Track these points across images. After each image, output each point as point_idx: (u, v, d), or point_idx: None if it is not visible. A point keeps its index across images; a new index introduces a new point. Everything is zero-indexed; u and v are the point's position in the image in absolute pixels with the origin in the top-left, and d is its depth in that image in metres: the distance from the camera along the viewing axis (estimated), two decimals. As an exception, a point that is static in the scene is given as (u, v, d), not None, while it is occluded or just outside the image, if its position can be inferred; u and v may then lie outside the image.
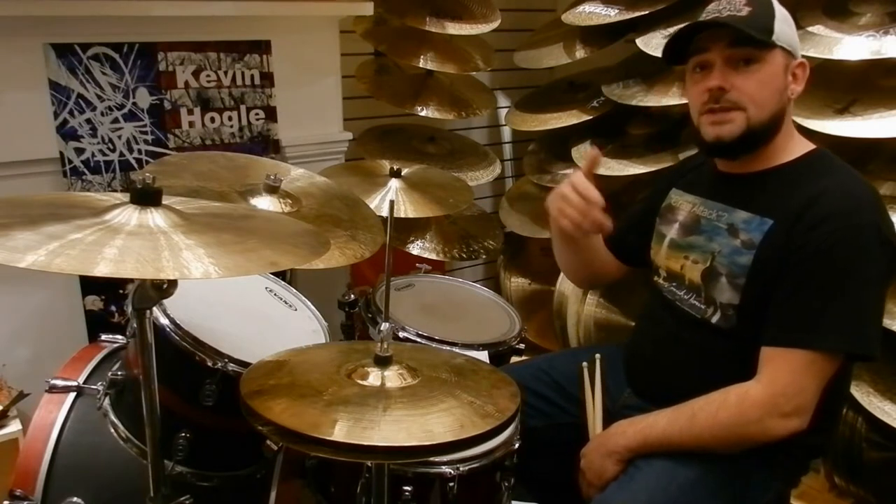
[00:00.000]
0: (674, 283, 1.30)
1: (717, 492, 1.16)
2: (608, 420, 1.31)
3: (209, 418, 1.18)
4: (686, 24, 1.19)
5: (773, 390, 1.10)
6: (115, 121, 1.72)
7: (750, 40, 1.13)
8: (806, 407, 1.10)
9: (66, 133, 1.67)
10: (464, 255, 2.27)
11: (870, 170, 1.60)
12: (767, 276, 1.14)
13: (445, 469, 1.18)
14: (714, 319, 1.22)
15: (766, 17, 1.14)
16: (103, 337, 1.44)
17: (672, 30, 1.93)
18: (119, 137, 1.74)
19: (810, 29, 1.65)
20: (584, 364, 1.39)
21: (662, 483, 1.14)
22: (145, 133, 1.77)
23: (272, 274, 1.45)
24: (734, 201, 1.23)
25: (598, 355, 1.39)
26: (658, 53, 1.89)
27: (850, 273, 1.09)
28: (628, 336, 1.46)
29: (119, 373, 1.23)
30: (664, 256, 1.33)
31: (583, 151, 1.28)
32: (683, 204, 1.34)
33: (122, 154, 1.75)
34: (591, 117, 2.18)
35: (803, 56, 1.22)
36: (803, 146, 1.23)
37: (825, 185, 1.13)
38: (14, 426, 1.56)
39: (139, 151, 1.77)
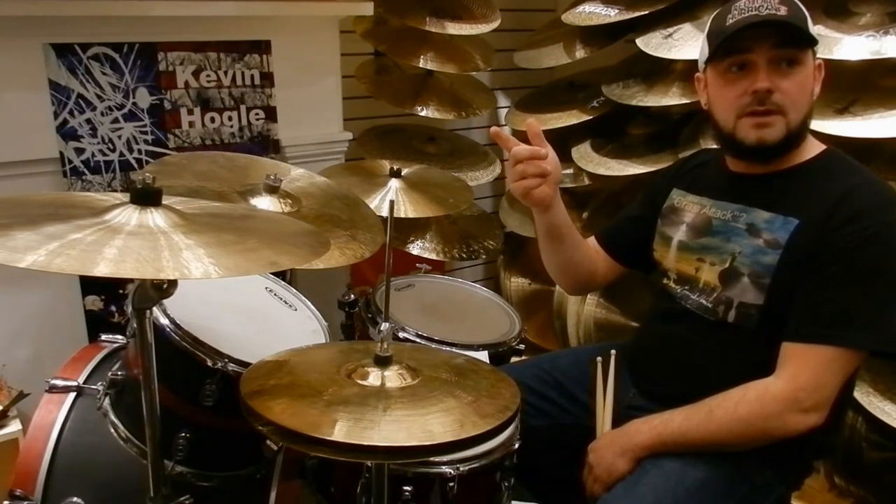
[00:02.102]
0: (686, 286, 1.29)
1: (724, 494, 1.16)
2: (614, 420, 1.30)
3: (209, 418, 1.17)
4: (734, 20, 1.14)
5: (794, 385, 1.10)
6: (115, 121, 1.72)
7: (793, 41, 1.12)
8: (825, 403, 1.10)
9: (66, 133, 1.67)
10: (464, 255, 2.27)
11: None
12: (794, 276, 1.14)
13: (445, 469, 1.18)
14: (730, 319, 1.21)
15: (802, 17, 1.13)
16: (103, 337, 1.44)
17: (672, 29, 1.94)
18: (119, 137, 1.74)
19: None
20: (599, 359, 1.38)
21: (670, 485, 1.14)
22: (145, 133, 1.77)
23: (272, 274, 1.45)
24: (752, 201, 1.22)
25: (612, 351, 1.38)
26: (658, 53, 1.91)
27: (880, 269, 1.09)
28: (629, 336, 1.46)
29: (119, 373, 1.22)
30: (674, 259, 1.32)
31: (526, 123, 1.28)
32: (689, 205, 1.33)
33: (122, 154, 1.75)
34: (591, 117, 2.19)
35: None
36: (816, 146, 1.22)
37: (853, 183, 1.13)
38: (14, 426, 1.56)
39: (139, 151, 1.77)
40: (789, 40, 1.12)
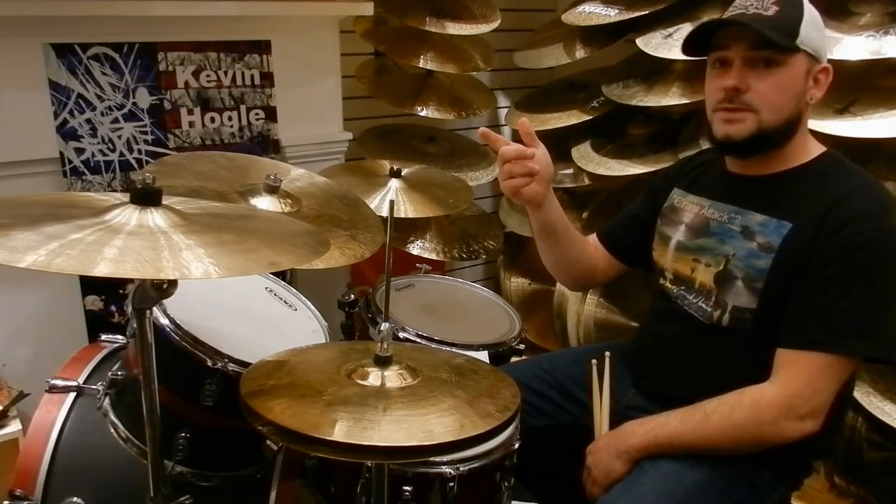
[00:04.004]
0: (683, 287, 1.29)
1: (723, 495, 1.16)
2: (613, 420, 1.30)
3: (209, 418, 1.18)
4: (710, 19, 1.16)
5: (788, 392, 1.10)
6: (115, 121, 1.72)
7: (772, 43, 1.11)
8: (821, 409, 1.10)
9: (66, 133, 1.67)
10: (464, 255, 2.27)
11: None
12: (787, 280, 1.13)
13: (445, 469, 1.18)
14: (724, 322, 1.21)
15: (792, 18, 1.12)
16: (103, 337, 1.44)
17: (672, 29, 1.94)
18: (119, 137, 1.74)
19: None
20: (594, 361, 1.39)
21: (669, 486, 1.14)
22: (145, 133, 1.77)
23: (272, 274, 1.45)
24: (748, 203, 1.22)
25: (607, 353, 1.38)
26: (658, 53, 1.91)
27: (875, 275, 1.08)
28: (629, 336, 1.46)
29: (119, 373, 1.22)
30: (671, 259, 1.32)
31: (517, 122, 1.27)
32: (689, 205, 1.33)
33: (122, 154, 1.75)
34: (591, 117, 2.19)
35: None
36: (816, 148, 1.22)
37: (849, 188, 1.12)
38: (14, 426, 1.56)
39: (139, 151, 1.77)
40: (766, 41, 1.11)
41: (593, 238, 1.50)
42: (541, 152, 1.25)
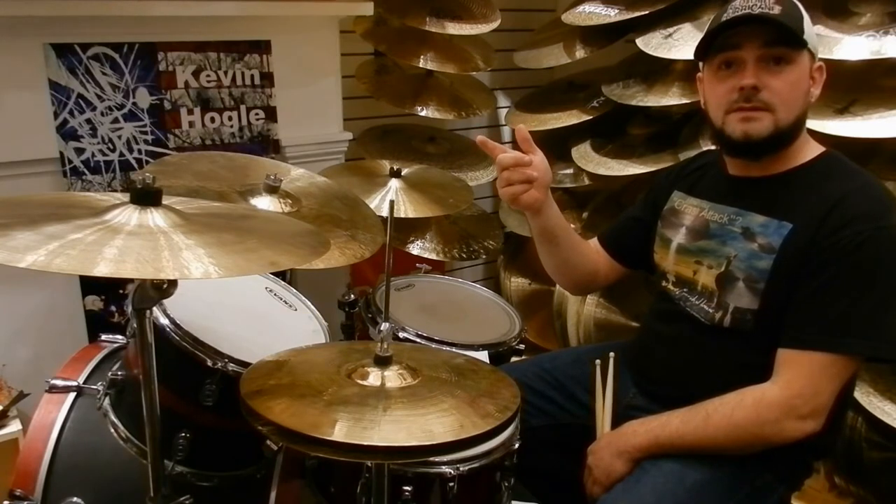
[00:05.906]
0: (685, 289, 1.29)
1: (723, 495, 1.16)
2: (614, 420, 1.30)
3: (209, 418, 1.18)
4: (727, 17, 1.15)
5: (790, 392, 1.10)
6: (115, 121, 1.72)
7: (784, 40, 1.11)
8: (822, 409, 1.10)
9: (66, 133, 1.67)
10: (464, 255, 2.27)
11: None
12: (788, 280, 1.13)
13: (445, 469, 1.18)
14: (726, 323, 1.21)
15: (796, 17, 1.13)
16: (103, 337, 1.44)
17: (672, 29, 1.94)
18: (119, 137, 1.74)
19: (810, 29, 1.65)
20: (598, 361, 1.38)
21: (670, 486, 1.14)
22: (145, 133, 1.77)
23: (272, 274, 1.45)
24: (748, 205, 1.22)
25: (612, 354, 1.38)
26: (658, 53, 1.91)
27: (875, 275, 1.08)
28: (629, 336, 1.45)
29: (119, 373, 1.23)
30: (672, 262, 1.32)
31: (515, 128, 1.27)
32: (689, 207, 1.33)
33: (122, 154, 1.75)
34: (591, 117, 2.19)
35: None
36: (816, 148, 1.22)
37: (848, 188, 1.13)
38: (14, 426, 1.56)
39: (139, 151, 1.77)
40: (779, 39, 1.12)
41: (594, 242, 1.50)
42: (538, 159, 1.25)
